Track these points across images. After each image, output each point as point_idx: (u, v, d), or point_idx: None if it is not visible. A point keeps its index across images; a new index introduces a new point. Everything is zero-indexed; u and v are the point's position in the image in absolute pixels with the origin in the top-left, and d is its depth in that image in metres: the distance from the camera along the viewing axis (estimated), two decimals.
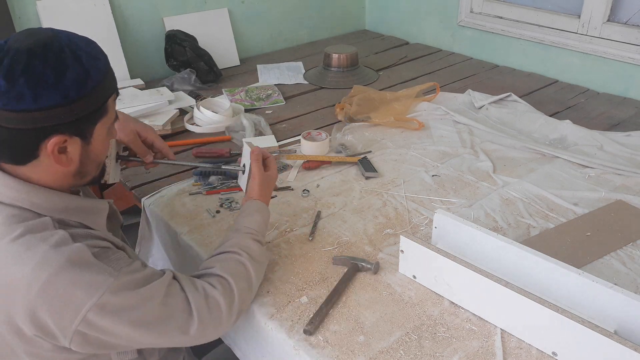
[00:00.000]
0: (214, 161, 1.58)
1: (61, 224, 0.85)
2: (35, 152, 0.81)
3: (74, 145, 0.84)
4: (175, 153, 1.66)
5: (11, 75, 0.75)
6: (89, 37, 0.87)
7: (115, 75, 0.90)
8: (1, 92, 0.75)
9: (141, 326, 0.83)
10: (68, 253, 0.79)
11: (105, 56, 0.86)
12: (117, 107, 0.94)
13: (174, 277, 0.91)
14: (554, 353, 0.92)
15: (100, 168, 0.95)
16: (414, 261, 1.08)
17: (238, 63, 2.47)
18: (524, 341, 0.96)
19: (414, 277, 1.10)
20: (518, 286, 0.93)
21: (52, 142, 0.80)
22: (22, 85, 0.75)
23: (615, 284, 0.91)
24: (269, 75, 2.30)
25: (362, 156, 1.59)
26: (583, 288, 0.94)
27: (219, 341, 1.24)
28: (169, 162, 1.23)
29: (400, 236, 1.08)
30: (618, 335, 0.83)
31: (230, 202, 1.38)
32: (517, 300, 0.92)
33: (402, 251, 1.09)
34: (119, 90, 0.93)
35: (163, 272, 0.91)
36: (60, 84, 0.77)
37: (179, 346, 0.96)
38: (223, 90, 2.11)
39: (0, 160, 0.83)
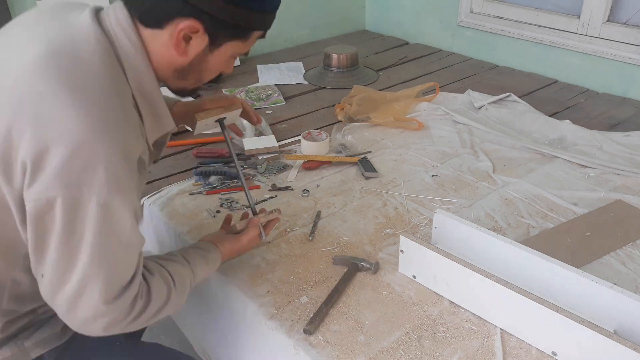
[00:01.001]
0: (215, 161, 1.58)
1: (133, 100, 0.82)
2: (166, 21, 0.79)
3: (198, 42, 0.82)
4: (176, 153, 1.67)
5: None
6: None
7: None
8: None
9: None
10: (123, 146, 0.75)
11: (276, 4, 0.86)
12: None
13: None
14: (553, 353, 0.92)
15: (197, 84, 0.92)
16: (414, 261, 1.08)
17: (238, 63, 2.47)
18: (523, 341, 0.96)
19: (414, 277, 1.10)
20: (517, 286, 0.93)
21: (185, 24, 0.79)
22: None
23: (615, 284, 0.92)
24: (269, 76, 2.30)
25: (362, 156, 1.60)
26: (583, 288, 0.94)
27: (219, 340, 1.25)
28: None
29: (400, 236, 1.08)
30: (618, 335, 0.83)
31: (230, 202, 1.38)
32: (516, 299, 0.92)
33: (402, 251, 1.09)
34: None
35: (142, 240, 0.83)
36: None
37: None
38: (223, 90, 2.11)
39: (135, 10, 0.80)
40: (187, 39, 0.81)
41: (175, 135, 1.78)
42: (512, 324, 0.97)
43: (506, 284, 0.94)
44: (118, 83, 0.78)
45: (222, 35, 0.83)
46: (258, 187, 1.46)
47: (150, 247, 1.46)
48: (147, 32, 0.82)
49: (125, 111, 0.78)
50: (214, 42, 0.83)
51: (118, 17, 0.81)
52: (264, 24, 0.87)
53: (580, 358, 0.88)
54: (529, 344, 0.95)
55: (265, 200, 1.39)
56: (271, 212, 1.13)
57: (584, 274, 0.95)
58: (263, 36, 0.89)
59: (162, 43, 0.82)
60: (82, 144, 0.70)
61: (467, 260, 1.00)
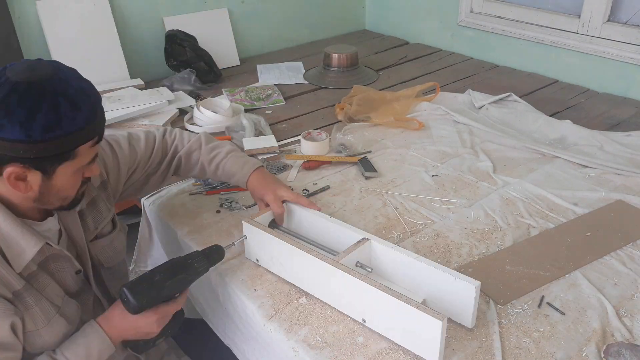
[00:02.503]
0: None
1: None
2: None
3: (34, 176, 0.85)
4: None
5: None
6: (88, 84, 0.88)
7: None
8: None
9: None
10: None
11: (92, 108, 0.86)
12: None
13: None
14: (363, 320, 0.99)
15: (70, 200, 0.94)
16: (256, 246, 1.14)
17: (238, 63, 2.47)
18: (338, 310, 1.03)
19: (257, 260, 1.16)
20: (332, 258, 1.01)
21: (8, 171, 0.83)
22: None
23: (615, 284, 0.91)
24: (269, 75, 2.30)
25: (362, 156, 1.59)
26: (399, 262, 1.02)
27: (218, 340, 1.25)
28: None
29: (242, 222, 1.13)
30: (424, 305, 0.90)
31: (230, 202, 1.38)
32: (332, 273, 0.99)
33: (245, 237, 1.15)
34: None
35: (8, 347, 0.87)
36: (27, 123, 0.79)
37: None
38: (223, 90, 2.11)
39: None
40: (22, 178, 0.84)
41: None
42: (329, 295, 1.04)
43: (322, 257, 1.01)
44: None
45: (47, 164, 0.85)
46: None
47: (151, 247, 1.46)
48: None
49: None
50: (47, 172, 0.86)
51: None
52: (82, 139, 0.86)
53: (387, 325, 0.95)
54: (344, 313, 1.02)
55: None
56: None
57: (396, 247, 1.03)
58: (98, 141, 0.90)
59: (6, 185, 0.86)
60: None
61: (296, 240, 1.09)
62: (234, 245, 1.13)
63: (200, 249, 1.05)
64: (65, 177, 0.88)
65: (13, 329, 0.87)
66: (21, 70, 0.82)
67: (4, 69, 0.82)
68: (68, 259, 0.99)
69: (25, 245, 0.90)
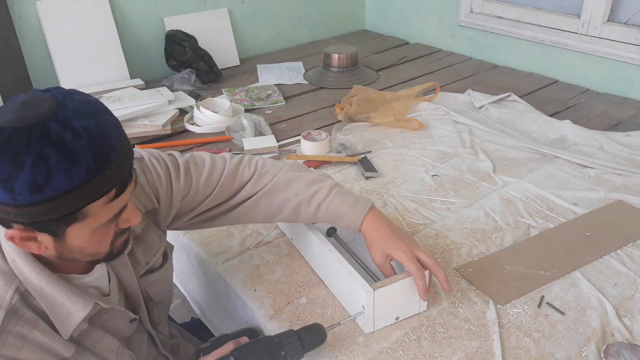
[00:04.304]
0: None
1: (22, 301, 0.73)
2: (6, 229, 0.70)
3: (44, 237, 0.70)
4: None
5: None
6: (100, 122, 0.67)
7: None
8: None
9: None
10: None
11: (98, 156, 0.66)
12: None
13: None
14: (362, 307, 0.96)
15: (103, 254, 0.79)
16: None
17: (238, 63, 2.47)
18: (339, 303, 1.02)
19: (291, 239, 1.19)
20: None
21: (9, 233, 0.69)
22: None
23: (615, 284, 0.91)
24: (269, 75, 2.30)
25: (362, 156, 1.59)
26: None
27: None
28: None
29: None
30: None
31: None
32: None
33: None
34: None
35: None
36: (9, 183, 0.62)
37: None
38: (223, 90, 2.11)
39: None
40: (32, 239, 0.70)
41: (175, 135, 1.78)
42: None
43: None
44: None
45: (52, 228, 0.69)
46: None
47: None
48: None
49: None
50: (55, 235, 0.70)
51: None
52: (87, 197, 0.67)
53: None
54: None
55: None
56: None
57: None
58: (118, 194, 0.71)
59: None
60: None
61: None
62: (340, 325, 0.96)
63: (295, 330, 0.90)
64: (83, 237, 0.72)
65: None
66: (13, 109, 0.65)
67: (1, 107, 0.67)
68: (122, 311, 0.87)
69: (72, 309, 0.76)
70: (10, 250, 0.74)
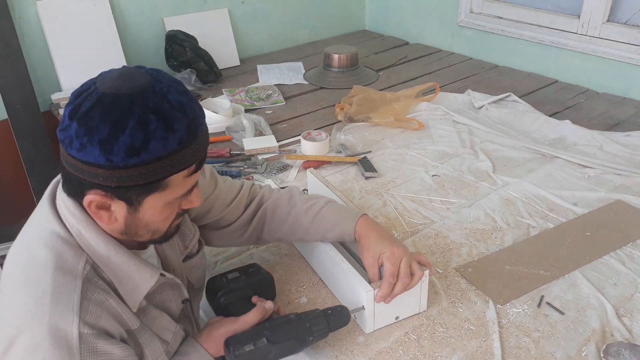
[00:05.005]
0: (215, 161, 1.58)
1: (94, 271, 0.75)
2: (80, 199, 0.73)
3: (118, 207, 0.73)
4: None
5: (73, 115, 0.67)
6: (191, 100, 0.72)
7: None
8: (63, 127, 0.69)
9: None
10: (50, 326, 0.68)
11: (190, 129, 0.70)
12: None
13: None
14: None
15: (161, 234, 0.81)
16: None
17: (238, 63, 2.47)
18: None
19: None
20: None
21: (88, 198, 0.71)
22: (74, 130, 0.67)
23: (615, 284, 0.91)
24: (269, 75, 2.30)
25: (362, 156, 1.60)
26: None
27: None
28: None
29: None
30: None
31: None
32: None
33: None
34: None
35: None
36: (108, 144, 0.66)
37: None
38: (223, 90, 2.11)
39: (65, 192, 0.75)
40: (107, 207, 0.73)
41: None
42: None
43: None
44: (63, 267, 0.73)
45: (132, 195, 0.71)
46: None
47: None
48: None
49: (58, 293, 0.71)
50: (132, 203, 0.73)
51: (64, 201, 0.76)
52: (174, 167, 0.70)
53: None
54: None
55: None
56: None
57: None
58: (196, 170, 0.75)
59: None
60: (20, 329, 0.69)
61: None
62: (364, 309, 0.96)
63: (322, 309, 0.91)
64: (155, 210, 0.75)
65: None
66: (112, 78, 0.69)
67: (97, 76, 0.71)
68: (177, 286, 0.88)
69: (140, 279, 0.78)
70: (76, 223, 0.75)
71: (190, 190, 0.77)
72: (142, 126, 0.66)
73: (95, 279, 0.75)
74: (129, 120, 0.66)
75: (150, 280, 0.80)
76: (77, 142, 0.67)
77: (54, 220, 0.76)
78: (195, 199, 0.80)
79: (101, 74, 0.71)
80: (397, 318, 1.00)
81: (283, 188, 1.09)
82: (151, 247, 0.86)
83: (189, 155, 0.71)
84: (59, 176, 0.79)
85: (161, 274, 0.82)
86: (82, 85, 0.71)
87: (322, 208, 1.03)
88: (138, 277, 0.79)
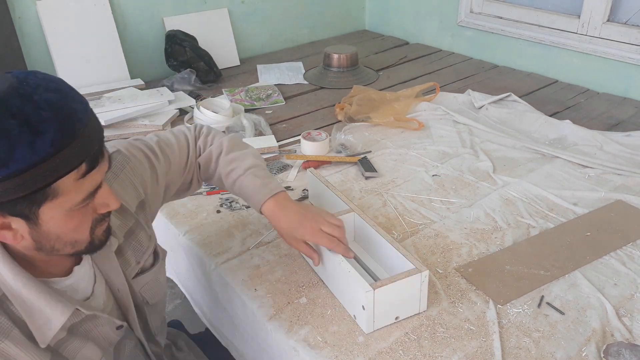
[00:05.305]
0: None
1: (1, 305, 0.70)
2: None
3: (18, 224, 0.67)
4: None
5: None
6: (63, 95, 0.66)
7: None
8: None
9: None
10: None
11: (64, 126, 0.64)
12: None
13: None
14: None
15: (84, 244, 0.75)
16: None
17: (238, 63, 2.47)
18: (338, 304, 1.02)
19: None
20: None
21: None
22: None
23: (615, 284, 0.91)
24: (269, 75, 2.30)
25: (362, 156, 1.59)
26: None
27: (216, 342, 1.25)
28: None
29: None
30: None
31: (230, 202, 1.38)
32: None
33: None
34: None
35: None
36: None
37: None
38: (223, 90, 2.11)
39: None
40: (7, 226, 0.67)
41: None
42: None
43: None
44: None
45: (24, 210, 0.66)
46: None
47: None
48: None
49: None
50: (28, 219, 0.67)
51: None
52: (56, 172, 0.64)
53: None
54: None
55: None
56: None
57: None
58: (89, 170, 0.68)
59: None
60: None
61: None
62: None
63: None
64: (58, 220, 0.69)
65: None
66: None
67: None
68: (106, 318, 0.83)
69: (51, 314, 0.73)
70: None
71: (94, 193, 0.71)
72: (3, 135, 0.60)
73: None
74: None
75: (61, 316, 0.74)
76: None
77: None
78: (110, 201, 0.74)
79: None
80: (396, 318, 1.00)
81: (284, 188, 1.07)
82: (82, 270, 0.80)
83: (71, 156, 0.65)
84: None
85: (77, 309, 0.76)
86: None
87: (240, 176, 1.02)
88: (49, 311, 0.73)
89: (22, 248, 0.72)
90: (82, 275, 0.81)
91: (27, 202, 0.65)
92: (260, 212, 1.02)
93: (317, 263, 1.04)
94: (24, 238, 0.69)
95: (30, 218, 0.67)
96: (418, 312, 1.02)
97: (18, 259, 0.73)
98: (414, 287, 0.97)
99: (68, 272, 0.79)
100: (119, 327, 0.86)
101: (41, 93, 0.63)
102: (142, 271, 0.92)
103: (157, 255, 0.96)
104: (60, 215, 0.68)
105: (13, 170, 0.61)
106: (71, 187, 0.67)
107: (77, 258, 0.80)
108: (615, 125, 1.80)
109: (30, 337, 0.72)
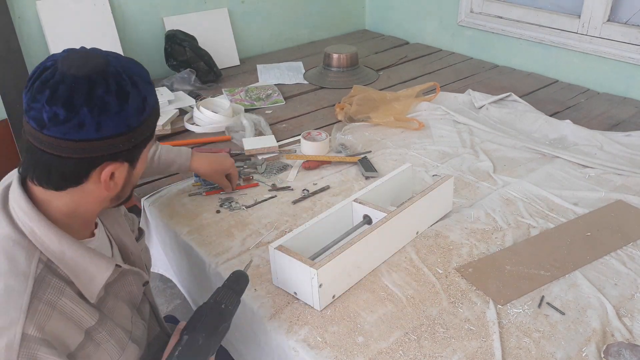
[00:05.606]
0: None
1: (47, 269, 0.76)
2: (83, 179, 0.77)
3: (121, 171, 0.80)
4: None
5: (71, 104, 0.71)
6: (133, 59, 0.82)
7: None
8: (59, 120, 0.71)
9: None
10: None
11: (150, 77, 0.82)
12: None
13: None
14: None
15: (128, 193, 0.88)
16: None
17: (238, 63, 2.47)
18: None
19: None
20: None
21: (107, 170, 0.77)
22: (85, 114, 0.71)
23: (616, 284, 0.91)
24: (269, 75, 2.30)
25: (362, 156, 1.59)
26: None
27: None
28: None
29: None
30: None
31: (230, 202, 1.38)
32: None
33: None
34: None
35: None
36: (124, 112, 0.74)
37: None
38: (223, 90, 2.11)
39: (39, 183, 0.77)
40: (112, 177, 0.79)
41: (175, 135, 1.78)
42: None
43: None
44: (16, 270, 0.74)
45: (138, 152, 0.81)
46: (256, 184, 1.46)
47: (150, 247, 1.46)
48: (57, 194, 0.78)
49: (8, 295, 0.72)
50: (134, 161, 0.81)
51: (17, 202, 0.78)
52: (157, 115, 0.84)
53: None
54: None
55: (265, 200, 1.39)
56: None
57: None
58: None
59: (86, 193, 0.79)
60: None
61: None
62: (251, 261, 1.13)
63: (221, 285, 0.95)
64: (143, 160, 0.84)
65: None
66: (77, 63, 0.75)
67: (52, 65, 0.75)
68: (137, 273, 0.92)
69: (96, 270, 0.81)
70: (29, 221, 0.76)
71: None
72: (135, 88, 0.76)
73: (48, 277, 0.76)
74: (126, 86, 0.75)
75: (105, 271, 0.82)
76: (91, 124, 0.72)
77: (5, 223, 0.77)
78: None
79: (55, 61, 0.76)
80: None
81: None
82: (98, 235, 0.89)
83: (158, 109, 0.84)
84: (6, 181, 0.84)
85: (117, 265, 0.85)
86: (45, 79, 0.73)
87: (155, 151, 1.27)
88: (93, 268, 0.81)
89: (99, 204, 0.83)
90: (103, 238, 0.90)
91: (143, 144, 0.80)
92: (190, 169, 1.32)
93: (231, 189, 1.40)
94: (117, 187, 0.81)
95: (134, 161, 0.82)
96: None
97: (59, 223, 0.80)
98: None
99: (91, 236, 0.88)
100: (144, 284, 0.96)
101: (127, 61, 0.80)
102: (138, 238, 1.02)
103: (142, 231, 1.07)
104: (145, 156, 0.84)
105: (148, 113, 0.78)
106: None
107: (90, 225, 0.88)
108: (615, 125, 1.80)
109: (80, 295, 0.79)
